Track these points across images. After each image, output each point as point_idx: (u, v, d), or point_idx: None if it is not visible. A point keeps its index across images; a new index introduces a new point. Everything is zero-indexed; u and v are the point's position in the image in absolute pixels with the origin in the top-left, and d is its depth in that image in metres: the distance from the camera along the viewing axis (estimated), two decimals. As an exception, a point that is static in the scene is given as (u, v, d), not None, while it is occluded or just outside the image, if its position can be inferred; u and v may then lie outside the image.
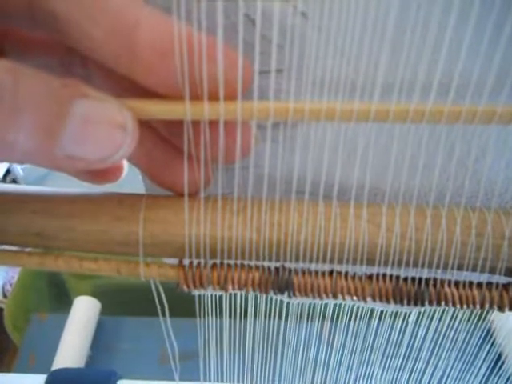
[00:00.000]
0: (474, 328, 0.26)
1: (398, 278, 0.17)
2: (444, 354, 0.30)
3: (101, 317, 0.52)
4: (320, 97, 0.15)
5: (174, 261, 0.18)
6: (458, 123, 0.14)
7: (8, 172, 1.29)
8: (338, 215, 0.17)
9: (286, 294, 0.18)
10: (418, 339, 0.28)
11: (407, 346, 0.28)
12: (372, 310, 0.26)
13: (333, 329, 0.28)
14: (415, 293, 0.17)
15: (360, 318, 0.25)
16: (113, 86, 0.16)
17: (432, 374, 0.32)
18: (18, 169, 1.28)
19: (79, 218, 0.17)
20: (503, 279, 0.17)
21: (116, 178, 0.20)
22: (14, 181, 1.28)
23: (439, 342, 0.29)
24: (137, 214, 0.17)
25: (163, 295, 0.19)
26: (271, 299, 0.24)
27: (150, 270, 0.18)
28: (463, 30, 0.14)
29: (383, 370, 0.32)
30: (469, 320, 0.24)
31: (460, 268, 0.17)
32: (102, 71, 0.17)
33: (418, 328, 0.27)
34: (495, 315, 0.41)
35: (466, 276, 0.18)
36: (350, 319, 0.25)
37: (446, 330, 0.27)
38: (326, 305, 0.25)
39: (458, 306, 0.17)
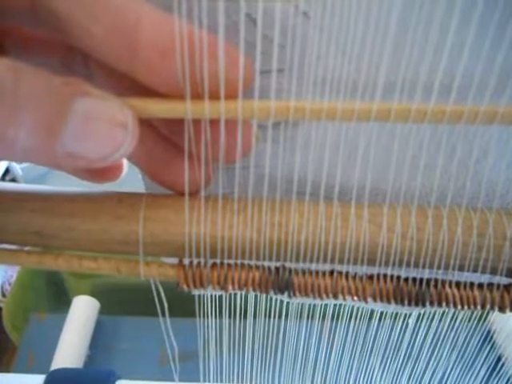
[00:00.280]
0: (474, 329, 0.26)
1: (398, 278, 0.17)
2: (444, 355, 0.30)
3: (100, 316, 0.52)
4: (321, 97, 0.15)
5: (174, 260, 0.18)
6: (460, 123, 0.14)
7: (7, 171, 1.29)
8: (338, 215, 0.17)
9: (286, 294, 0.17)
10: (417, 340, 0.28)
11: (407, 347, 0.28)
12: (372, 311, 0.26)
13: (333, 328, 0.28)
14: (416, 293, 0.17)
15: (360, 318, 0.25)
16: (114, 84, 0.16)
17: (432, 375, 0.32)
18: (17, 168, 1.28)
19: (79, 217, 0.17)
20: (504, 280, 0.17)
21: (116, 177, 0.19)
22: (13, 180, 1.28)
23: (439, 344, 0.29)
24: (137, 213, 0.17)
25: (163, 295, 0.19)
26: (271, 299, 0.24)
27: (150, 269, 0.18)
28: (465, 30, 0.14)
29: (383, 371, 0.32)
30: (469, 321, 0.24)
31: (461, 268, 0.17)
32: (103, 70, 0.17)
33: (418, 329, 0.27)
34: (495, 316, 0.41)
35: (466, 277, 0.17)
36: (350, 319, 0.25)
37: (446, 332, 0.27)
38: (326, 304, 0.25)
39: (459, 306, 0.17)
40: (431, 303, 0.17)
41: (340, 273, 0.18)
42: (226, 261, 0.18)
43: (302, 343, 0.32)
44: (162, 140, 0.18)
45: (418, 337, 0.28)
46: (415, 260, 0.17)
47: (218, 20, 0.13)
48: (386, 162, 0.19)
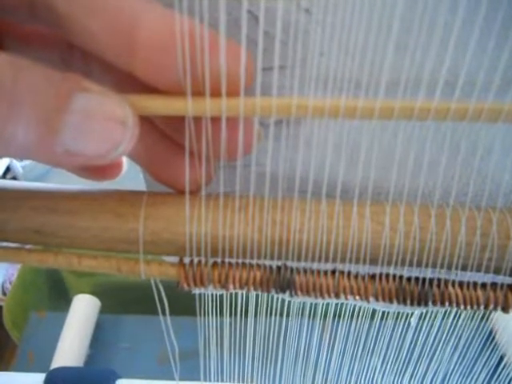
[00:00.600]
0: (477, 329, 0.26)
1: (401, 277, 0.17)
2: (446, 355, 0.29)
3: (100, 315, 0.52)
4: (324, 94, 0.15)
5: (175, 259, 0.18)
6: (465, 121, 0.14)
7: (8, 170, 1.29)
8: (341, 214, 0.17)
9: (287, 293, 0.17)
10: (419, 340, 0.28)
11: (409, 347, 0.28)
12: (374, 311, 0.26)
13: (334, 327, 0.28)
14: (419, 293, 0.17)
15: (362, 317, 0.25)
16: (113, 81, 0.16)
17: (434, 375, 0.31)
18: (18, 166, 1.28)
19: (79, 215, 0.17)
20: (508, 279, 0.17)
21: (115, 175, 0.19)
22: (14, 178, 1.28)
23: (441, 344, 0.29)
24: (137, 212, 0.17)
25: (163, 293, 0.19)
26: (272, 297, 0.24)
27: (151, 268, 0.17)
28: (470, 28, 0.14)
29: (385, 371, 0.32)
30: (471, 321, 0.24)
31: (464, 268, 0.17)
32: (102, 66, 0.16)
33: (420, 329, 0.27)
34: (497, 317, 0.40)
35: (469, 276, 0.17)
36: (352, 318, 0.25)
37: (448, 332, 0.26)
38: (327, 303, 0.25)
39: (462, 306, 0.17)
40: (434, 303, 0.17)
41: (342, 272, 0.17)
42: (226, 260, 0.17)
43: (303, 342, 0.32)
44: (163, 137, 0.18)
45: (420, 336, 0.28)
46: (418, 259, 0.17)
47: (220, 17, 0.13)
48: (389, 161, 0.19)
